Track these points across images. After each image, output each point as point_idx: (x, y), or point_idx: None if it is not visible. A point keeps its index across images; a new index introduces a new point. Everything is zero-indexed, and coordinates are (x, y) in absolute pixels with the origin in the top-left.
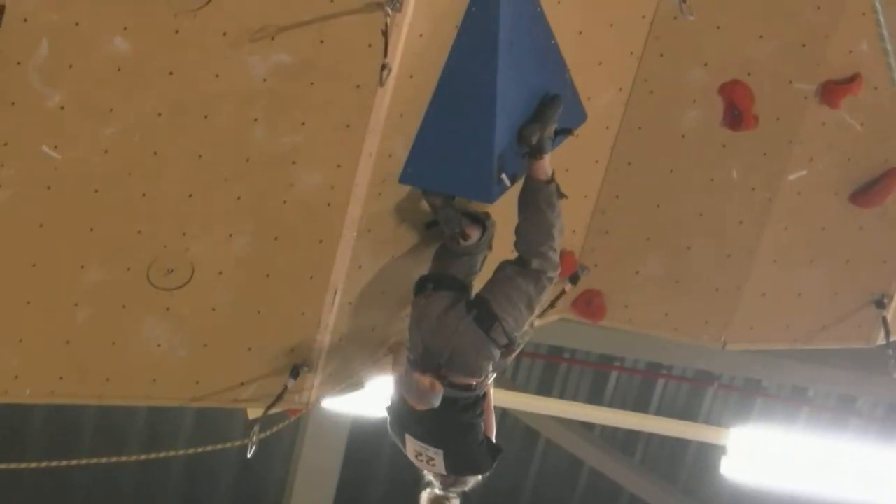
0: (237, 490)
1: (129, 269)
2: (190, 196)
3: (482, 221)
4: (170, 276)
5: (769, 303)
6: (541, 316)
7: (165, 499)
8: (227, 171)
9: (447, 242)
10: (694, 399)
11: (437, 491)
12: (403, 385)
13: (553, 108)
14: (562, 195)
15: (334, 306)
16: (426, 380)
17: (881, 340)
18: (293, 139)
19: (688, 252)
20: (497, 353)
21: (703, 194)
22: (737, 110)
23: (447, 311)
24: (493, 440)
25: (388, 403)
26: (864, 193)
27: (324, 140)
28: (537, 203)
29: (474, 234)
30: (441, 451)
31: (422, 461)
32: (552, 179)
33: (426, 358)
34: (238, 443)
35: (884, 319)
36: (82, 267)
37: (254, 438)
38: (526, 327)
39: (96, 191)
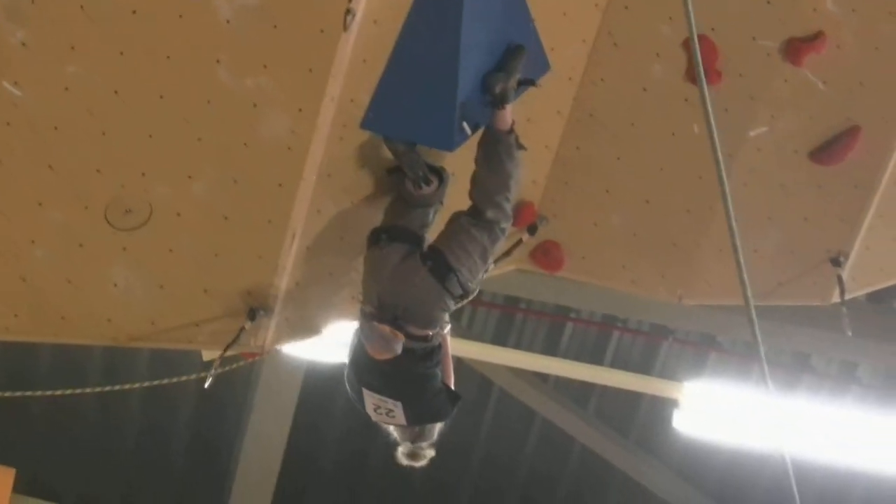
0: (193, 430)
1: (86, 208)
2: (150, 136)
3: (439, 173)
4: (128, 216)
5: (726, 258)
6: (498, 266)
7: (122, 436)
8: (187, 112)
9: (410, 188)
10: (649, 353)
11: (410, 444)
12: (364, 334)
13: (517, 59)
14: (521, 146)
15: (292, 250)
16: (386, 328)
17: (836, 298)
18: (255, 82)
19: (647, 206)
20: (452, 303)
21: (664, 148)
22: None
23: (402, 263)
24: (452, 387)
25: (347, 360)
26: (824, 152)
27: (286, 84)
28: (497, 153)
29: (433, 183)
30: (399, 403)
31: (381, 415)
32: (512, 130)
33: (381, 310)
34: (194, 375)
35: (839, 278)
36: (40, 204)
37: (212, 371)
38: (480, 276)
39: (56, 128)
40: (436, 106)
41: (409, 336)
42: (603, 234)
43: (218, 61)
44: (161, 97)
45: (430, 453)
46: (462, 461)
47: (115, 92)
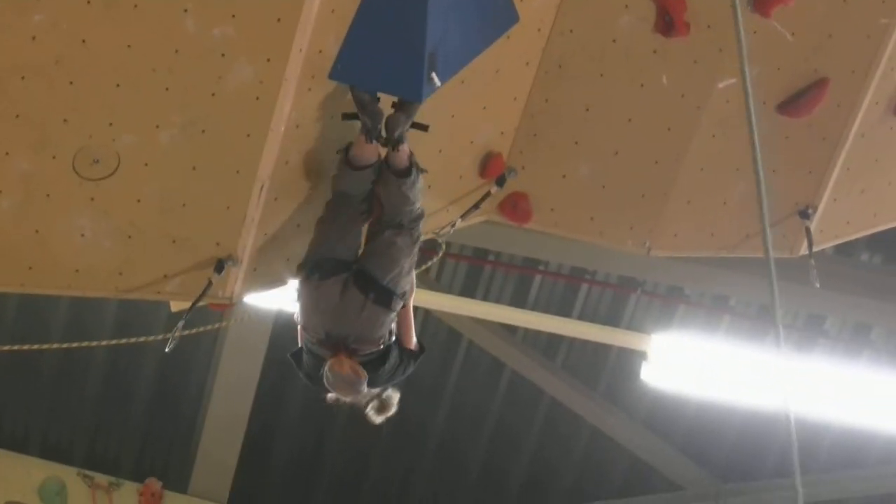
0: (160, 378)
1: (54, 158)
2: (117, 86)
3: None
4: (95, 166)
5: (694, 210)
6: (466, 218)
7: (87, 385)
8: (155, 61)
9: (359, 144)
10: (617, 305)
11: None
12: (327, 381)
13: (415, 105)
14: (422, 170)
15: (260, 201)
16: (345, 366)
17: (804, 251)
18: (223, 31)
19: (615, 157)
20: (395, 313)
21: (633, 100)
22: (669, 17)
23: (343, 297)
24: (413, 346)
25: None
26: (792, 104)
27: (254, 34)
28: (399, 188)
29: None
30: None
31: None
32: (411, 163)
33: (330, 340)
34: (161, 336)
35: (807, 230)
36: (7, 154)
37: (176, 334)
38: (412, 276)
39: (23, 78)
40: (404, 56)
41: (361, 354)
42: (571, 186)
43: (185, 10)
44: (129, 46)
45: (396, 396)
46: (430, 413)
47: (83, 41)
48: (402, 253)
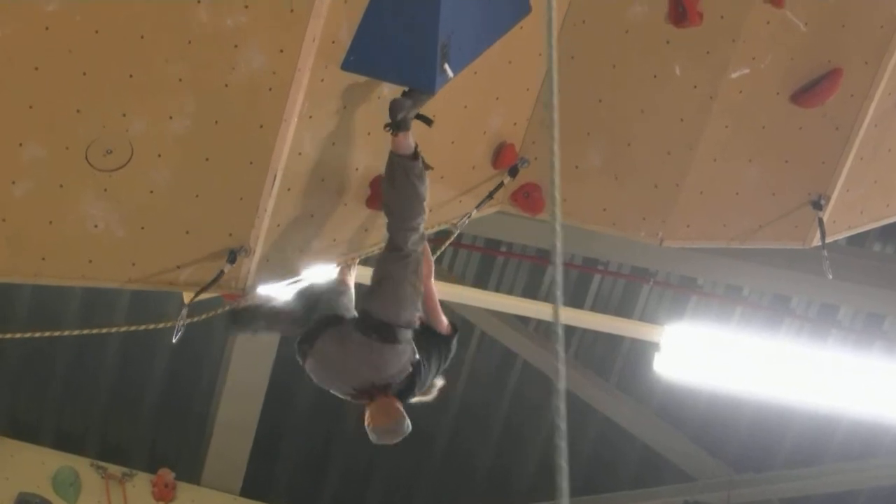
0: (172, 374)
1: (67, 149)
2: (130, 76)
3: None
4: (108, 156)
5: (707, 200)
6: (479, 208)
7: (98, 379)
8: (168, 52)
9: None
10: (629, 295)
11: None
12: (373, 439)
13: (424, 94)
14: (428, 167)
15: (273, 192)
16: (380, 416)
17: (817, 241)
18: (236, 21)
19: (628, 148)
20: (409, 344)
21: (645, 90)
22: (681, 6)
23: (345, 349)
24: (445, 326)
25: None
26: (805, 93)
27: (267, 24)
28: (407, 178)
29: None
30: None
31: None
32: (417, 154)
33: (361, 393)
34: (170, 323)
35: (820, 220)
36: (20, 144)
37: (181, 323)
38: (419, 301)
39: (36, 68)
40: (417, 46)
41: (398, 384)
42: (584, 176)
43: (198, 1)
44: (142, 37)
45: (440, 383)
46: (442, 403)
47: (96, 31)
48: (402, 285)
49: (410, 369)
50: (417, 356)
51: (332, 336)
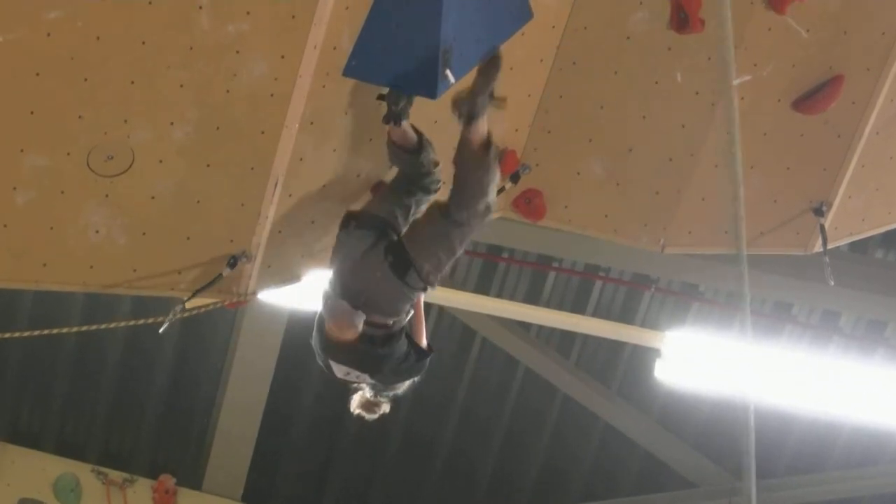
0: (173, 380)
1: (69, 155)
2: (132, 83)
3: (421, 139)
4: (110, 162)
5: (709, 207)
6: None
7: (100, 386)
8: (170, 58)
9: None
10: (631, 302)
11: (368, 395)
12: (326, 309)
13: (488, 76)
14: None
15: (274, 198)
16: (341, 328)
17: (818, 248)
18: (238, 28)
19: (629, 154)
20: (414, 294)
21: (647, 97)
22: (683, 13)
23: (366, 254)
24: (423, 344)
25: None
26: (807, 100)
27: (269, 30)
28: (479, 162)
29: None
30: (366, 374)
31: (350, 377)
32: (490, 141)
33: (345, 296)
34: (170, 317)
35: (821, 227)
36: (22, 150)
37: (171, 317)
38: (446, 270)
39: (38, 74)
40: (419, 53)
41: (369, 323)
42: (585, 183)
43: (200, 7)
44: (143, 43)
45: (386, 408)
46: (444, 409)
47: (97, 38)
48: (441, 240)
49: (391, 325)
50: (406, 347)
51: (369, 238)
